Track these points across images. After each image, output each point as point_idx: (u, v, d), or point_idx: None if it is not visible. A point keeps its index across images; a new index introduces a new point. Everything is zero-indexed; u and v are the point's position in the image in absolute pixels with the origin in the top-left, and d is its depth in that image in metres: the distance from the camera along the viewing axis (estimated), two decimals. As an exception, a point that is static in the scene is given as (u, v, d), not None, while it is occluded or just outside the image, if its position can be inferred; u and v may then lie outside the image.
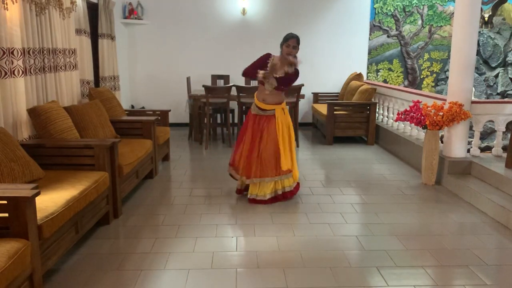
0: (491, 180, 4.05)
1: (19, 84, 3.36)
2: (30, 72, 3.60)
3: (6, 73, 3.18)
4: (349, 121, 6.43)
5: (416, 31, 8.86)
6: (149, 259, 2.84)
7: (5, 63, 3.18)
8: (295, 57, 3.78)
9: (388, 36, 8.85)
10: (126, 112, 5.20)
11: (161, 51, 7.63)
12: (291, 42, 3.71)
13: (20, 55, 3.35)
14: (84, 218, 2.91)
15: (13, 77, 3.27)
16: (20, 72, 3.35)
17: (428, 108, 4.36)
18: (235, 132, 7.03)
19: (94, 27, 5.57)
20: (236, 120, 6.83)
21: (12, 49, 3.25)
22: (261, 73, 3.70)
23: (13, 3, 3.26)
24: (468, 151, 4.62)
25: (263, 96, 3.82)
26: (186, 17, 7.49)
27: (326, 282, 2.57)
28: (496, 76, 9.22)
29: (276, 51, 7.84)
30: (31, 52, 3.60)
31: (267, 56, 3.86)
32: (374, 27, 8.73)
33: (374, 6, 8.62)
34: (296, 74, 3.82)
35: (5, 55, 3.17)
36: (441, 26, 8.88)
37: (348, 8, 7.74)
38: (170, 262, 2.80)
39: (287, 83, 3.83)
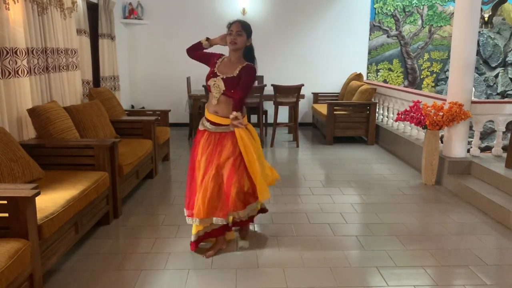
0: (491, 180, 4.05)
1: (24, 84, 3.38)
2: (34, 72, 3.62)
3: (10, 73, 3.20)
4: (349, 121, 6.43)
5: (416, 31, 8.86)
6: (149, 259, 2.84)
7: (9, 62, 3.19)
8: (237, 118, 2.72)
9: (388, 36, 8.85)
10: (126, 112, 5.20)
11: (161, 51, 7.63)
12: (234, 27, 2.81)
13: (24, 55, 3.36)
14: (84, 218, 2.91)
15: (17, 77, 3.28)
16: (25, 72, 3.37)
17: (428, 108, 4.37)
18: (235, 132, 7.01)
19: (94, 27, 5.57)
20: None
21: (16, 49, 3.26)
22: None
23: (15, 3, 3.26)
24: (468, 151, 4.62)
25: (214, 107, 2.86)
26: (186, 17, 7.49)
27: (326, 282, 2.57)
28: (496, 76, 9.23)
29: (276, 52, 7.79)
30: (34, 52, 3.61)
31: (218, 55, 2.98)
32: (374, 27, 8.73)
33: (374, 6, 8.62)
34: (249, 75, 2.84)
35: (9, 55, 3.18)
36: (441, 26, 8.88)
37: (348, 8, 7.75)
38: (170, 262, 2.80)
39: (238, 86, 2.78)
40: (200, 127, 2.97)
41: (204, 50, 2.99)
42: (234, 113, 2.72)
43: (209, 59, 2.96)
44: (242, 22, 2.84)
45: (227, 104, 2.82)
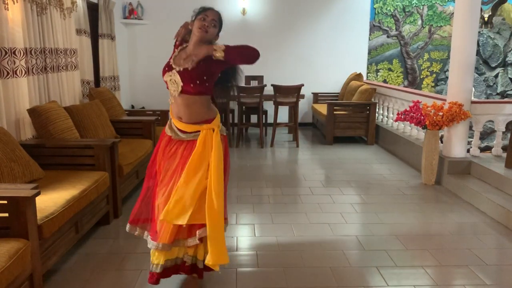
0: (491, 180, 4.05)
1: (22, 84, 3.37)
2: (33, 72, 3.61)
3: (8, 73, 3.19)
4: (349, 121, 6.43)
5: (416, 31, 8.86)
6: (149, 259, 2.82)
7: (7, 63, 3.19)
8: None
9: (388, 36, 8.86)
10: (126, 112, 5.20)
11: (161, 51, 7.57)
12: (210, 14, 2.28)
13: (22, 55, 3.35)
14: (84, 218, 2.91)
15: (16, 77, 3.28)
16: (23, 72, 3.36)
17: (428, 108, 4.37)
18: (234, 132, 7.02)
19: (94, 27, 5.57)
20: (236, 120, 6.84)
21: (14, 49, 3.25)
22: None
23: (14, 3, 3.26)
24: (468, 151, 4.62)
25: (177, 111, 2.32)
26: (186, 17, 7.42)
27: (326, 282, 2.57)
28: (496, 76, 9.23)
29: (276, 52, 7.76)
30: (33, 52, 3.61)
31: (177, 45, 2.41)
32: (374, 27, 8.73)
33: (374, 6, 8.62)
34: (221, 63, 2.22)
35: (7, 55, 3.18)
36: (441, 26, 8.89)
37: (348, 8, 7.75)
38: (170, 262, 2.80)
39: (202, 77, 2.20)
40: (168, 132, 2.37)
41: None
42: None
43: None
44: (219, 13, 2.34)
45: (189, 106, 2.25)
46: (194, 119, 2.27)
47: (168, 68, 2.29)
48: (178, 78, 2.22)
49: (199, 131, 2.25)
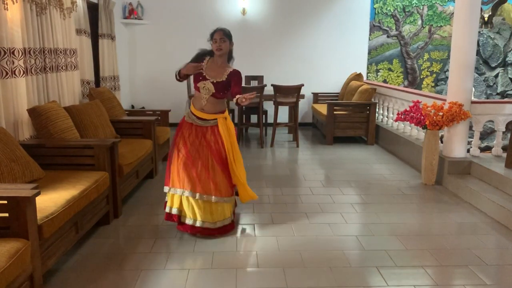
0: (491, 180, 4.05)
1: (20, 84, 3.37)
2: (31, 72, 3.60)
3: (7, 73, 3.19)
4: (349, 121, 6.44)
5: (416, 31, 8.86)
6: (149, 259, 2.84)
7: (6, 63, 3.18)
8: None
9: (388, 36, 8.86)
10: (126, 112, 5.20)
11: (161, 51, 7.63)
12: (217, 35, 3.11)
13: (21, 55, 3.35)
14: (84, 218, 2.91)
15: (14, 77, 3.27)
16: (21, 72, 3.36)
17: (428, 108, 4.37)
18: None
19: (94, 27, 5.57)
20: (236, 120, 6.84)
21: (13, 49, 3.25)
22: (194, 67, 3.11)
23: (14, 3, 3.26)
24: (468, 151, 4.62)
25: (200, 105, 3.19)
26: (186, 17, 7.49)
27: (326, 282, 2.57)
28: (496, 76, 9.23)
29: (276, 52, 7.79)
30: (31, 52, 3.61)
31: (202, 59, 3.23)
32: (374, 27, 8.73)
33: (374, 6, 8.63)
34: (239, 77, 3.21)
35: (6, 55, 3.17)
36: (441, 26, 8.89)
37: (348, 8, 7.75)
38: (170, 262, 2.80)
39: (227, 89, 3.19)
40: (188, 119, 3.24)
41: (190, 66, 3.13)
42: (238, 96, 3.03)
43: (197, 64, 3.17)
44: (224, 29, 3.15)
45: (213, 103, 3.18)
46: (213, 111, 3.20)
47: (202, 78, 3.15)
48: (211, 86, 3.12)
49: (216, 118, 3.19)
